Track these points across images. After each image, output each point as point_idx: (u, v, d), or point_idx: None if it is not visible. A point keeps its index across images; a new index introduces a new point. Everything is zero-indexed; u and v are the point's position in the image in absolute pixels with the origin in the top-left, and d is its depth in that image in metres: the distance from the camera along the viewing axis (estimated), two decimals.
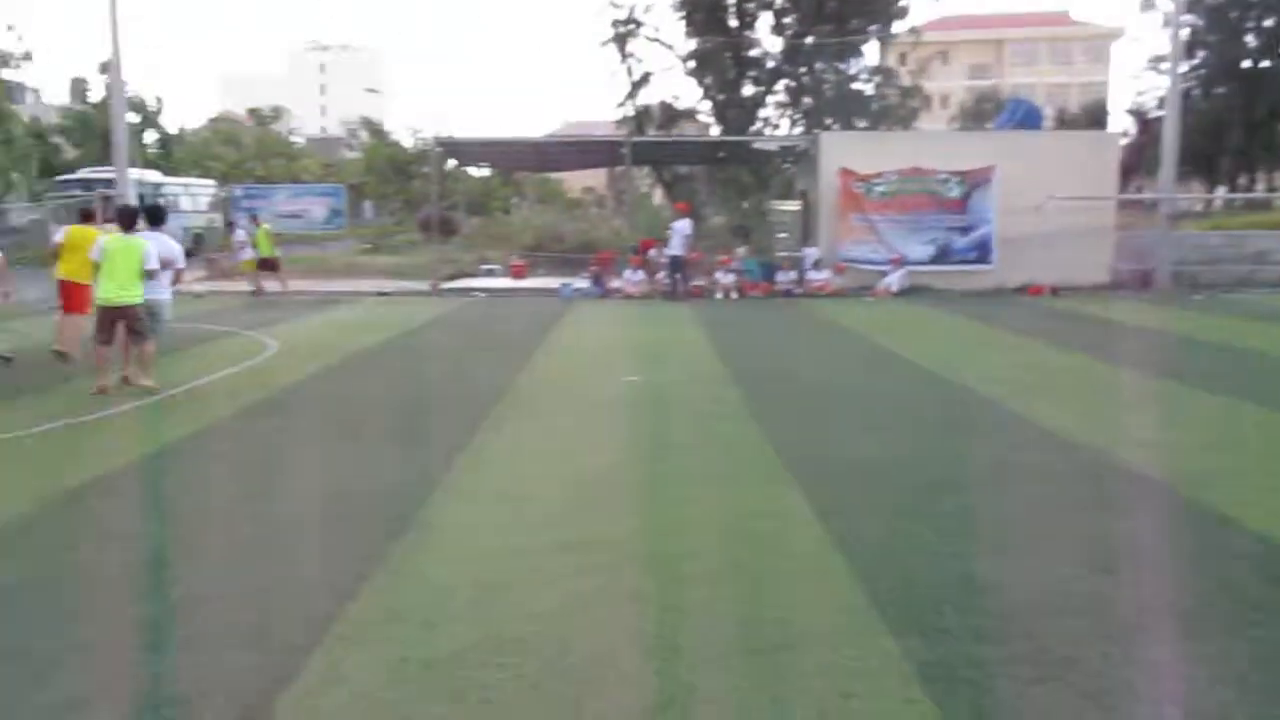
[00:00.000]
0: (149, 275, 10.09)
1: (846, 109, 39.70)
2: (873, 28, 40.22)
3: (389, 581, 4.93)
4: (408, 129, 49.85)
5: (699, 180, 41.48)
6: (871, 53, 43.25)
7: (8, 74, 37.18)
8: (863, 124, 39.22)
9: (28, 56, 36.08)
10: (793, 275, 22.54)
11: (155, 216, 11.04)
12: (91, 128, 38.62)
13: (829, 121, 38.45)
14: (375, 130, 53.79)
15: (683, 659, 4.05)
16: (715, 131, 40.19)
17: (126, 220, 10.31)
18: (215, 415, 9.10)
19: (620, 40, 39.36)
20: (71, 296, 11.58)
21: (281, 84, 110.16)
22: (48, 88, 61.00)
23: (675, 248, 21.23)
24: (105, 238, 10.20)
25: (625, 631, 4.33)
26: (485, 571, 5.07)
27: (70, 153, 40.16)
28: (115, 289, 9.91)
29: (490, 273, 26.85)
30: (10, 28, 35.47)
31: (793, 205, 26.16)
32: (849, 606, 4.59)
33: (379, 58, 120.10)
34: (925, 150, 23.23)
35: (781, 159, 30.10)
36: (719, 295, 21.69)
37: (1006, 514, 6.08)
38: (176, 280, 11.44)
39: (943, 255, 22.55)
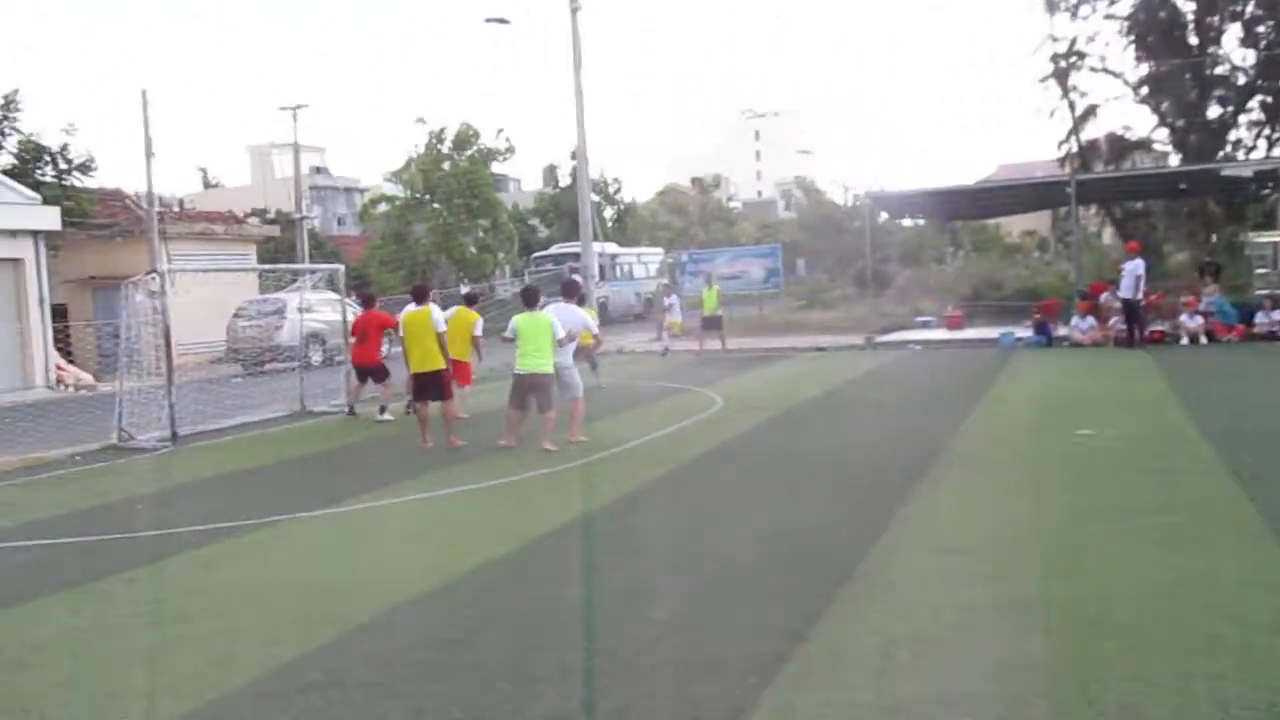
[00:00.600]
0: (559, 344, 11.01)
1: None
2: None
3: (835, 627, 5.08)
4: (838, 185, 50.68)
5: (1156, 215, 37.93)
6: None
7: (496, 168, 43.08)
8: None
9: (511, 151, 41.55)
10: (1275, 316, 19.85)
11: (569, 290, 12.28)
12: (561, 208, 43.54)
13: None
14: (807, 189, 55.33)
15: None
16: (1174, 161, 36.61)
17: (530, 299, 11.37)
18: (669, 465, 9.86)
19: (1061, 75, 37.28)
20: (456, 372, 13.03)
21: (719, 153, 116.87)
22: (526, 177, 69.81)
23: (1126, 290, 19.53)
24: (517, 318, 10.99)
25: (1081, 698, 4.11)
26: (929, 625, 5.06)
27: (543, 231, 45.56)
28: (531, 361, 10.86)
29: (925, 324, 26.43)
30: (500, 130, 41.05)
31: (1275, 236, 23.11)
32: None
33: (810, 119, 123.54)
34: None
35: (1259, 185, 26.74)
36: (1184, 340, 19.65)
37: None
38: (597, 346, 12.61)
39: None
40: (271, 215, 43.74)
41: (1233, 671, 4.30)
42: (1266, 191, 27.65)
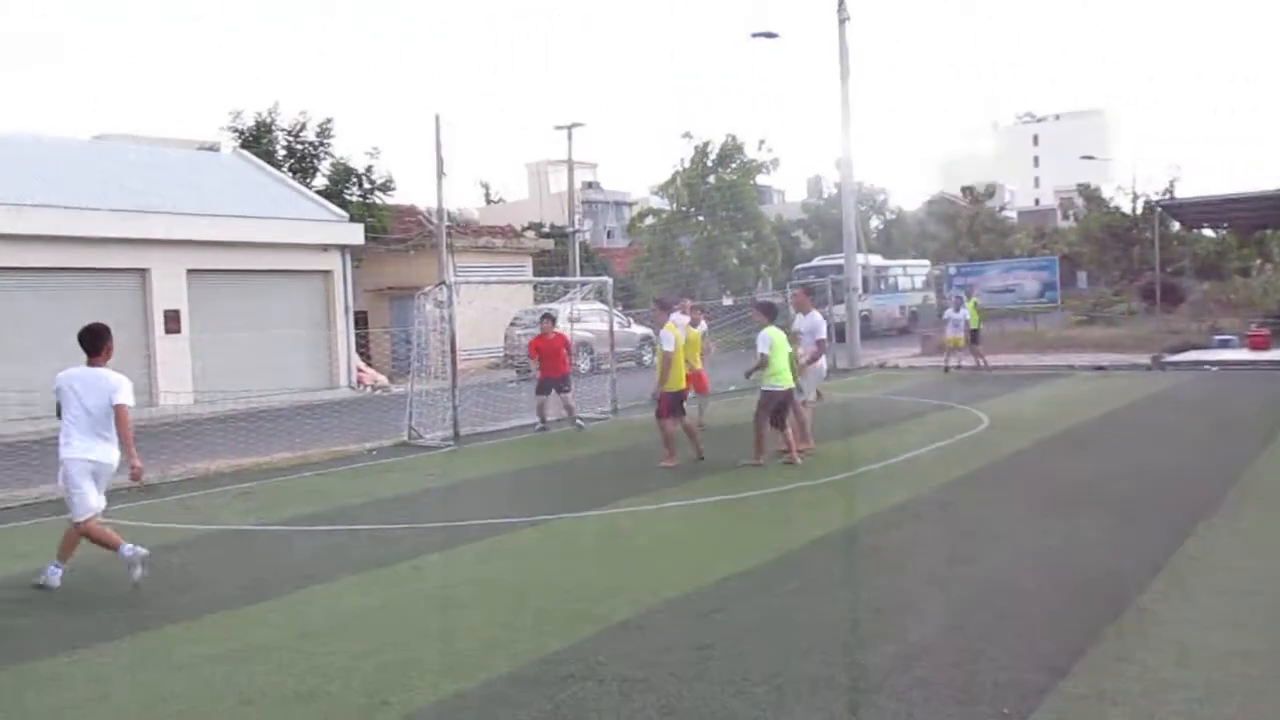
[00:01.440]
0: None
1: None
2: None
3: (1102, 664, 4.82)
4: (1126, 193, 47.26)
5: None
6: None
7: (760, 180, 43.38)
8: None
9: (775, 164, 41.72)
10: None
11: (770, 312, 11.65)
12: (824, 220, 43.23)
13: None
14: (1090, 197, 51.96)
15: None
16: None
17: (772, 313, 11.37)
18: (931, 484, 9.62)
19: None
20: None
21: (993, 160, 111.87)
22: (790, 188, 69.84)
23: None
24: (773, 333, 10.88)
25: None
26: (1206, 672, 4.70)
27: (806, 243, 45.38)
28: (786, 376, 10.84)
29: (1224, 343, 24.21)
30: (761, 141, 41.28)
31: None
32: None
33: (1096, 123, 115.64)
34: None
35: None
36: None
37: None
38: (816, 353, 12.40)
39: None
40: (546, 229, 46.11)
41: None
42: None
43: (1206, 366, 20.74)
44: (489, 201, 67.85)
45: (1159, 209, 26.37)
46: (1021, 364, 22.75)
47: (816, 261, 36.54)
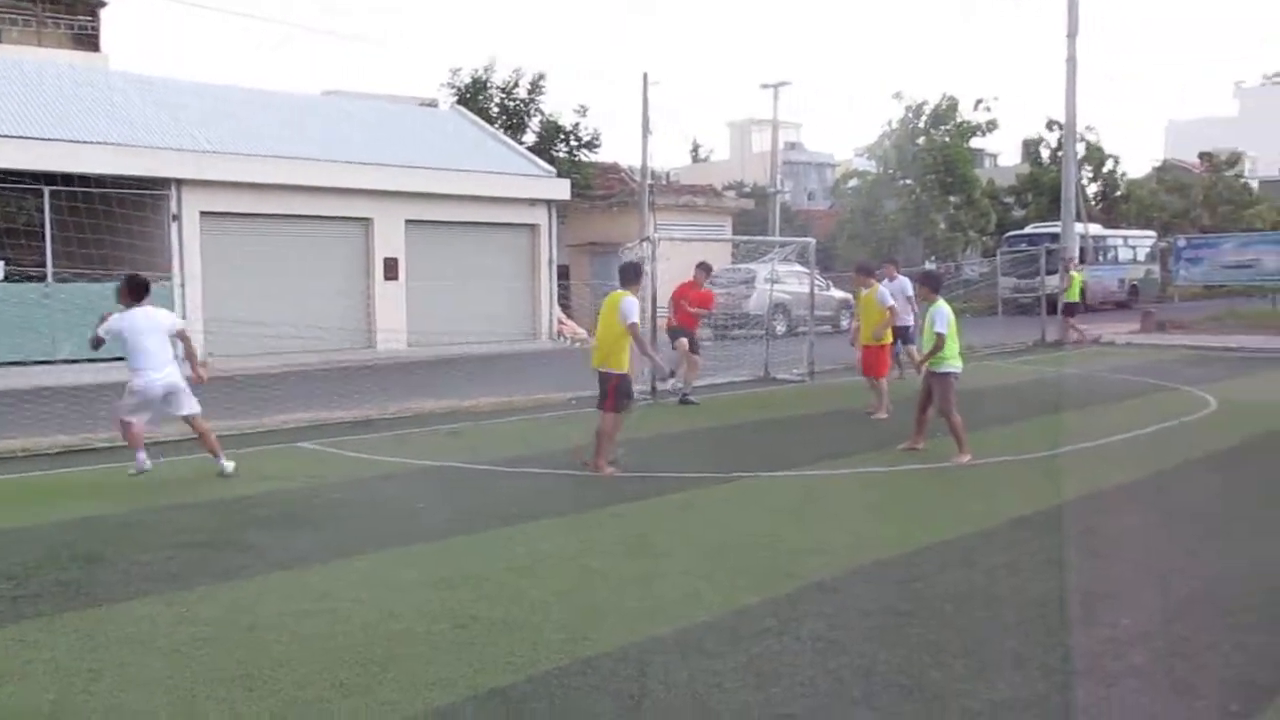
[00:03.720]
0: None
1: None
2: None
3: None
4: None
5: None
6: None
7: (974, 143, 41.57)
8: None
9: (993, 125, 39.84)
10: None
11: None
12: (1040, 185, 41.04)
13: None
14: None
15: None
16: None
17: (935, 287, 10.03)
18: (1146, 467, 9.10)
19: None
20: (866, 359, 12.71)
21: (1234, 124, 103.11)
22: (1004, 152, 66.56)
23: None
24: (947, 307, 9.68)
25: None
26: None
27: (1018, 210, 43.24)
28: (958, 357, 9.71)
29: None
30: (979, 101, 39.43)
31: None
32: None
33: None
34: None
35: None
36: None
37: None
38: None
39: None
40: (747, 189, 45.84)
41: None
42: None
43: None
44: (695, 160, 68.03)
45: None
46: (1258, 346, 21.01)
47: (1030, 229, 34.79)
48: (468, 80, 32.36)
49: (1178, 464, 9.33)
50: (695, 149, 70.51)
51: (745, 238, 28.78)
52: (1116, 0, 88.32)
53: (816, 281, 19.97)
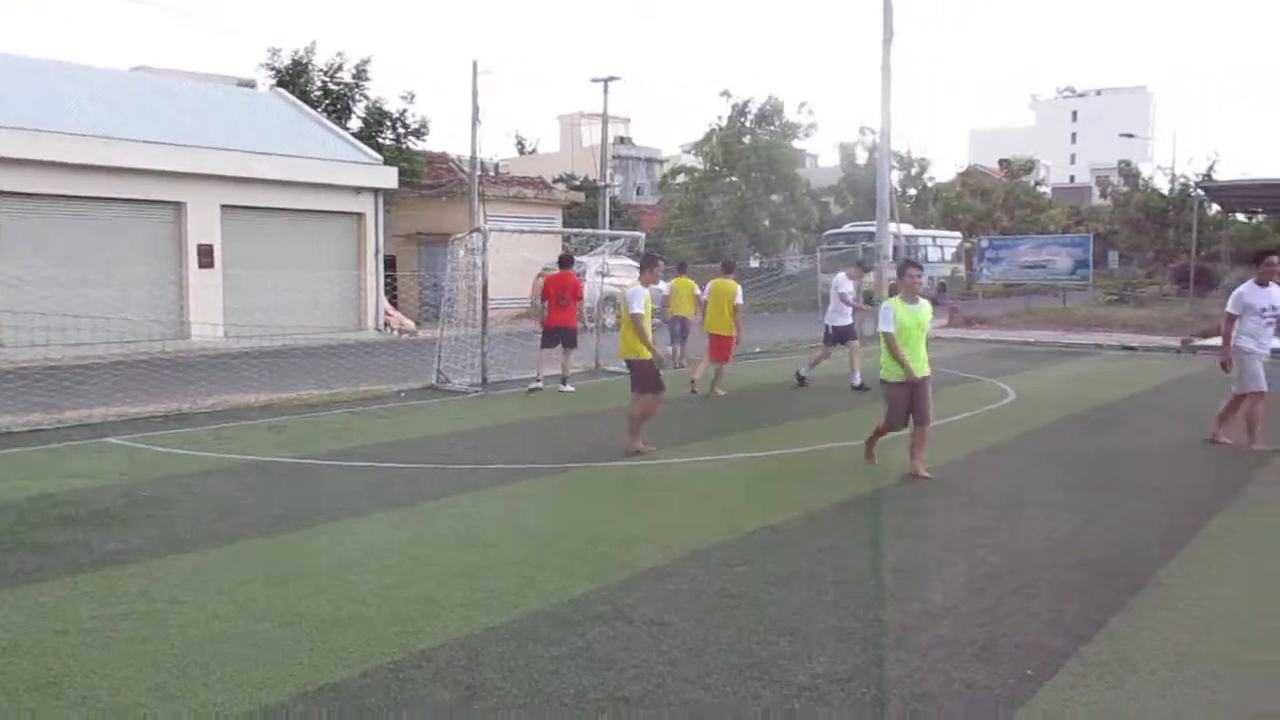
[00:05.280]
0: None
1: None
2: None
3: (1124, 633, 4.90)
4: (1164, 173, 46.63)
5: None
6: None
7: (796, 143, 43.03)
8: None
9: (814, 127, 41.39)
10: None
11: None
12: (856, 186, 42.90)
13: None
14: (1128, 176, 51.30)
15: None
16: None
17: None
18: (953, 454, 9.67)
19: None
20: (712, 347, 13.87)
21: (1029, 134, 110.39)
22: (823, 153, 69.22)
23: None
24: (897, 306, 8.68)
25: None
26: (1228, 645, 4.77)
27: (836, 209, 45.08)
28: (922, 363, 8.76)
29: None
30: (802, 104, 40.94)
31: None
32: None
33: (1144, 98, 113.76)
34: None
35: None
36: None
37: None
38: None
39: None
40: (577, 182, 45.98)
41: None
42: None
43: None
44: (521, 152, 67.64)
45: (1198, 191, 26.03)
46: (1049, 341, 22.63)
47: (847, 228, 36.33)
48: (288, 62, 31.15)
49: (982, 449, 9.96)
50: (520, 141, 70.12)
51: (576, 230, 28.87)
52: (927, 14, 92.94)
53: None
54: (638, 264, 11.78)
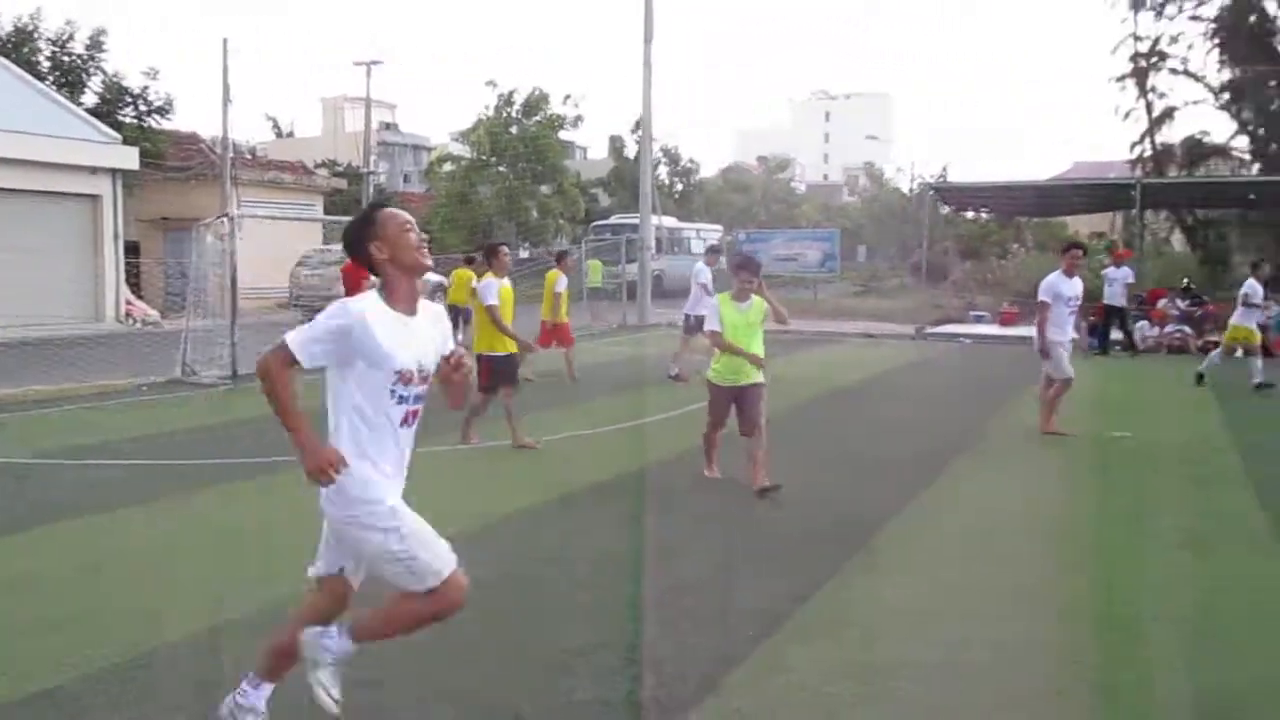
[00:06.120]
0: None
1: None
2: None
3: (839, 594, 5.37)
4: (905, 174, 50.33)
5: (1229, 225, 37.19)
6: None
7: (564, 135, 43.36)
8: None
9: (579, 119, 41.80)
10: None
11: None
12: (625, 179, 43.76)
13: None
14: (874, 176, 54.96)
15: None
16: (1254, 170, 35.86)
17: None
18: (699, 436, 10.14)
19: (1140, 75, 36.59)
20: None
21: (787, 134, 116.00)
22: (594, 145, 70.18)
23: (1113, 298, 19.37)
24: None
25: (1058, 678, 4.38)
26: (931, 601, 5.32)
27: (606, 201, 45.85)
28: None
29: (979, 319, 26.32)
30: (567, 96, 41.21)
31: None
32: None
33: (884, 105, 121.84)
34: None
35: None
36: (1239, 353, 19.40)
37: None
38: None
39: None
40: (340, 168, 44.52)
41: (1202, 658, 4.52)
42: None
43: (962, 339, 22.55)
44: (279, 136, 64.69)
45: (930, 191, 28.35)
46: (800, 329, 23.93)
47: (614, 219, 37.03)
48: (9, 29, 28.49)
49: (733, 431, 10.48)
50: (276, 124, 67.01)
51: (337, 218, 27.98)
52: (693, 14, 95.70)
53: None
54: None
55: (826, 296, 32.56)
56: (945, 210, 38.19)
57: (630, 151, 46.36)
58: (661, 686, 4.19)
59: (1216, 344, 19.88)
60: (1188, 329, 20.39)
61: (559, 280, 14.45)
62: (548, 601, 5.19)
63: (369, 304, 3.37)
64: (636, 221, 27.45)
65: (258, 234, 17.77)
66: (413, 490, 7.13)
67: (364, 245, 3.41)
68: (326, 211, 33.70)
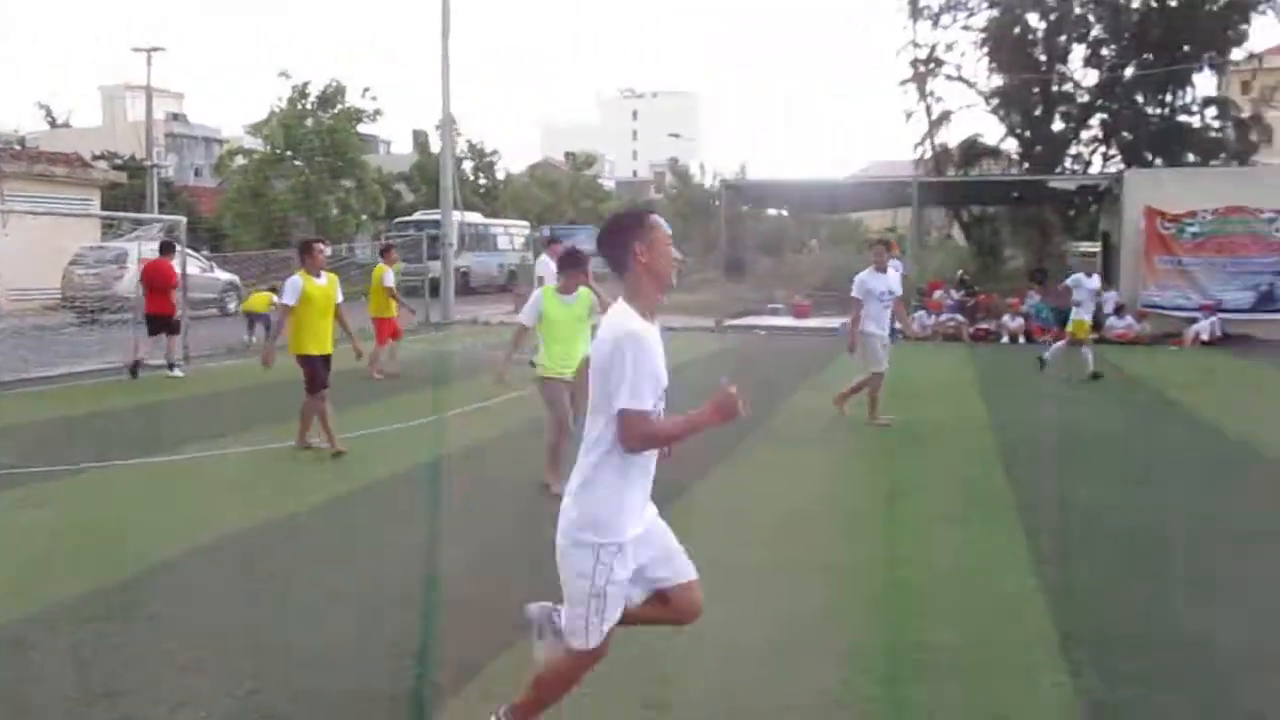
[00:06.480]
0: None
1: (1170, 144, 36.90)
2: (1206, 56, 37.20)
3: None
4: (708, 171, 51.70)
5: (1000, 220, 40.04)
6: (1207, 83, 39.96)
7: (364, 129, 42.24)
8: (1191, 159, 36.23)
9: (379, 113, 40.79)
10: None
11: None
12: (428, 174, 43.04)
13: (1150, 158, 35.91)
14: (679, 173, 56.13)
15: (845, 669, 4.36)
16: (1023, 169, 38.73)
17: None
18: (484, 435, 10.20)
19: (920, 79, 38.89)
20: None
21: (596, 131, 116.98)
22: (398, 140, 68.67)
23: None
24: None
25: (818, 643, 4.68)
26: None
27: (409, 197, 44.99)
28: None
29: (775, 311, 27.39)
30: (366, 89, 40.26)
31: (1092, 247, 24.83)
32: (1038, 643, 4.66)
33: (693, 102, 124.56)
34: (1245, 187, 21.41)
35: (1083, 198, 28.62)
36: (1005, 339, 21.01)
37: (1237, 579, 5.80)
38: None
39: (1266, 301, 20.65)
40: (120, 160, 41.92)
41: (938, 625, 4.93)
42: (1092, 205, 29.60)
43: (758, 330, 23.41)
44: (53, 125, 60.32)
45: (726, 189, 29.30)
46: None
47: (417, 215, 36.43)
48: None
49: (527, 423, 10.55)
50: (49, 112, 62.50)
51: (113, 214, 26.37)
52: (501, 11, 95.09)
53: (197, 263, 19.05)
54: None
55: None
56: (745, 208, 39.49)
57: (436, 146, 45.66)
58: (424, 677, 4.23)
59: (987, 331, 21.51)
60: (960, 317, 21.88)
61: (385, 274, 14.34)
62: (316, 598, 5.13)
63: (638, 321, 3.23)
64: (439, 217, 27.12)
65: (25, 231, 16.54)
66: (176, 497, 6.92)
67: (628, 242, 3.29)
68: (105, 207, 31.67)
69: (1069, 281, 14.84)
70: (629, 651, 4.39)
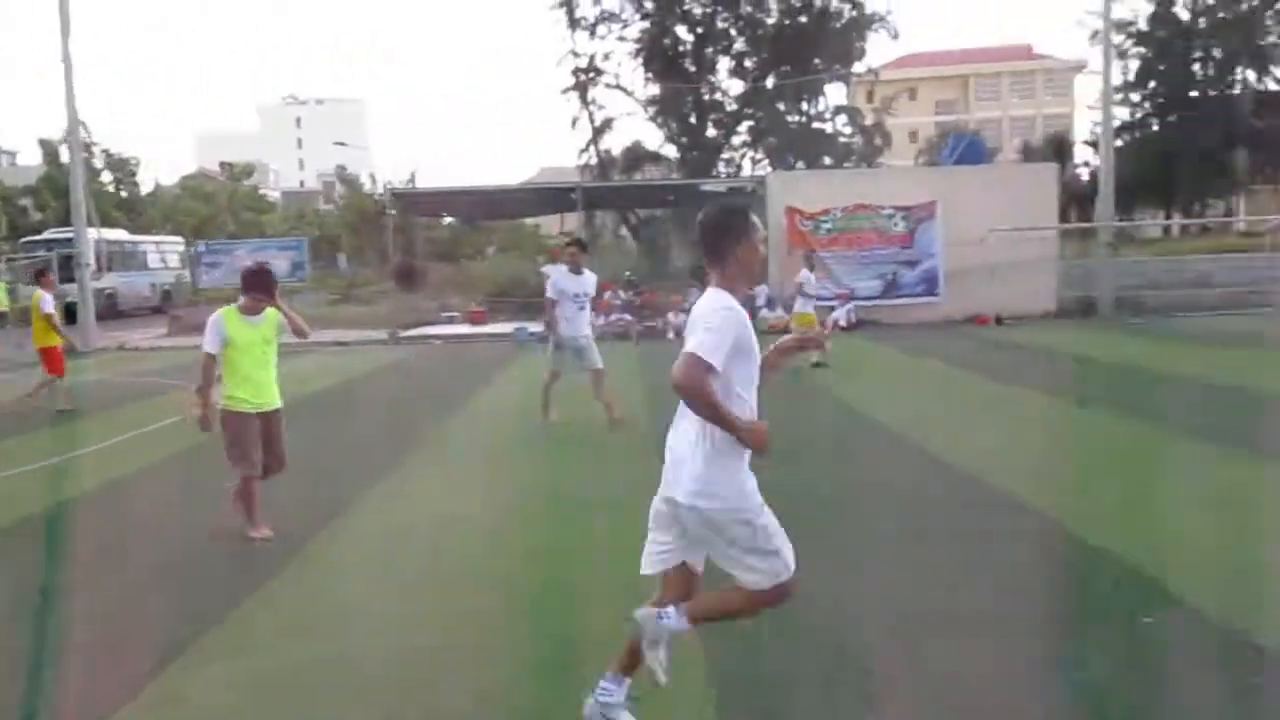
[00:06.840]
0: None
1: (809, 148, 40.43)
2: (834, 68, 41.07)
3: (262, 604, 5.32)
4: (377, 180, 50.49)
5: (667, 222, 42.10)
6: (838, 93, 44.14)
7: None
8: (827, 162, 39.87)
9: None
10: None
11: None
12: (59, 188, 39.08)
13: (793, 161, 39.13)
14: (348, 182, 54.41)
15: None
16: (683, 173, 40.92)
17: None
18: (144, 461, 9.47)
19: (581, 88, 40.13)
20: None
21: (257, 139, 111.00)
22: (23, 152, 61.60)
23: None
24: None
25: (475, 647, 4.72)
26: (357, 597, 5.46)
27: (37, 215, 40.60)
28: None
29: (451, 320, 27.23)
30: None
31: None
32: None
33: (360, 110, 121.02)
34: (870, 187, 23.88)
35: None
36: (670, 335, 22.12)
37: (866, 538, 6.48)
38: None
39: (891, 289, 23.13)
40: None
41: (580, 609, 5.14)
42: None
43: (433, 340, 23.19)
44: None
45: (392, 197, 28.84)
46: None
47: (49, 234, 32.94)
48: None
49: (174, 454, 9.84)
50: None
51: None
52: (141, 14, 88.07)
53: None
54: None
55: (302, 306, 31.68)
56: (418, 218, 38.96)
57: (66, 157, 41.53)
58: None
59: (652, 328, 22.56)
60: (629, 316, 22.80)
61: (44, 300, 13.00)
62: None
63: (732, 299, 3.52)
64: (73, 235, 24.67)
65: None
66: None
67: (731, 236, 3.59)
68: None
69: None
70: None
